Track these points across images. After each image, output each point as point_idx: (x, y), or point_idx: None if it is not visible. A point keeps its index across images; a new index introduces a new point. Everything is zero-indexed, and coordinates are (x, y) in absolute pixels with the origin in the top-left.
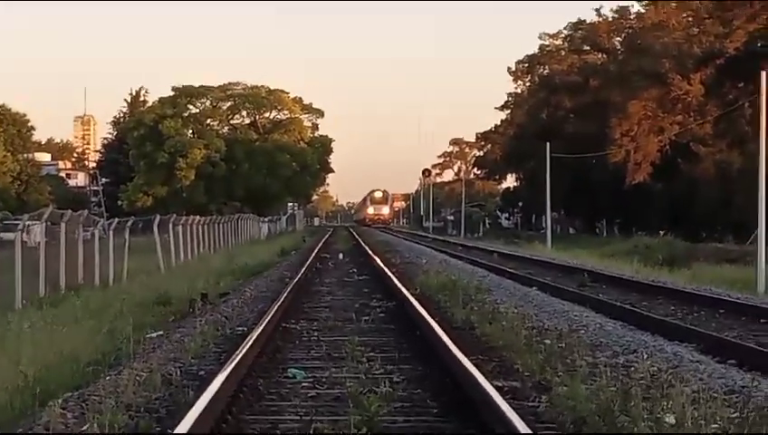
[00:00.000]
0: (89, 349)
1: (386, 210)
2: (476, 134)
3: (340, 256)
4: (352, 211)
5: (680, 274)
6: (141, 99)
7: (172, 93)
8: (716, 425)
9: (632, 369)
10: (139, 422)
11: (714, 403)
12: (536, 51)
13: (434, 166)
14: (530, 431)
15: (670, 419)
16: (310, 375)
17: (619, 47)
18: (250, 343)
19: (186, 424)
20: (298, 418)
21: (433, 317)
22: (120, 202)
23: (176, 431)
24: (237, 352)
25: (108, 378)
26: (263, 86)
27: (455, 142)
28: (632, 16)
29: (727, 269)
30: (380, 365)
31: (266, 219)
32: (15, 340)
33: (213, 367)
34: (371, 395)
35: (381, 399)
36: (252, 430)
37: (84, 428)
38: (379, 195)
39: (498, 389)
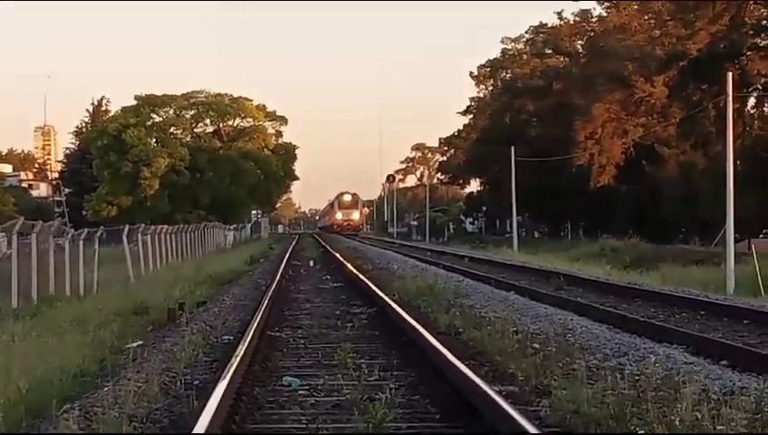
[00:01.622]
0: (76, 360)
1: (356, 215)
2: (439, 139)
3: (311, 262)
4: (317, 217)
5: (650, 276)
6: (104, 108)
7: (135, 102)
8: (722, 426)
9: (627, 372)
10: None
11: (716, 405)
12: (498, 55)
13: (396, 171)
14: (539, 432)
15: (676, 421)
16: (305, 383)
17: (581, 50)
18: (241, 353)
19: None
20: (303, 426)
21: (417, 322)
22: (84, 212)
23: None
24: (230, 361)
25: (105, 389)
26: (226, 94)
27: (417, 148)
28: (594, 19)
29: (695, 271)
30: (374, 372)
31: (232, 227)
32: (4, 352)
33: (206, 376)
34: (375, 402)
35: (384, 405)
36: None
37: None
38: (348, 198)
39: (497, 393)
